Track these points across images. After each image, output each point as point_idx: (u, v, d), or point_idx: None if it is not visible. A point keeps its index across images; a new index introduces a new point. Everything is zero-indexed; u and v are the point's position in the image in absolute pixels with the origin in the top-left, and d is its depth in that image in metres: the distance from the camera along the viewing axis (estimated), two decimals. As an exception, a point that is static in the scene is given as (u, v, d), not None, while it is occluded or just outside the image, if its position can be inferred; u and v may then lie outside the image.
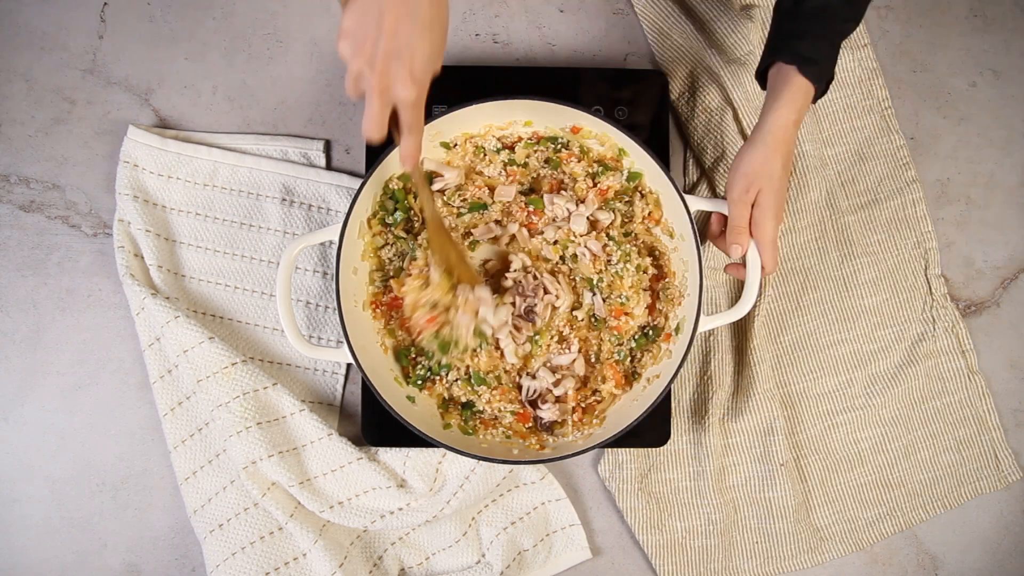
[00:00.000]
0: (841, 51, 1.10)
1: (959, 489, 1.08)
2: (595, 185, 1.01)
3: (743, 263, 0.92)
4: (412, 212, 1.00)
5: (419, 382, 0.99)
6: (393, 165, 0.97)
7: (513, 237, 1.01)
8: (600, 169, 1.01)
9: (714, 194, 1.09)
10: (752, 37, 1.09)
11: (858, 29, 1.11)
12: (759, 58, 1.08)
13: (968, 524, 1.09)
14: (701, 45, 1.10)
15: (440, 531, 1.04)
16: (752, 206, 0.89)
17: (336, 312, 0.97)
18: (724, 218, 0.93)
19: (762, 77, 0.91)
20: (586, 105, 0.97)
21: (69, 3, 1.11)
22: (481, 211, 1.00)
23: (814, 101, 0.89)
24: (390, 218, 1.00)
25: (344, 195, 1.08)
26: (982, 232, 1.12)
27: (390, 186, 1.00)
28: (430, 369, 0.98)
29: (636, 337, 1.00)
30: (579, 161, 1.01)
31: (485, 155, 1.02)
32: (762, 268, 0.90)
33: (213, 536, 1.00)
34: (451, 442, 0.93)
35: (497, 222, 1.01)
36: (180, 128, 1.10)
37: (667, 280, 1.00)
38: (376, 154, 0.95)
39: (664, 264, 1.01)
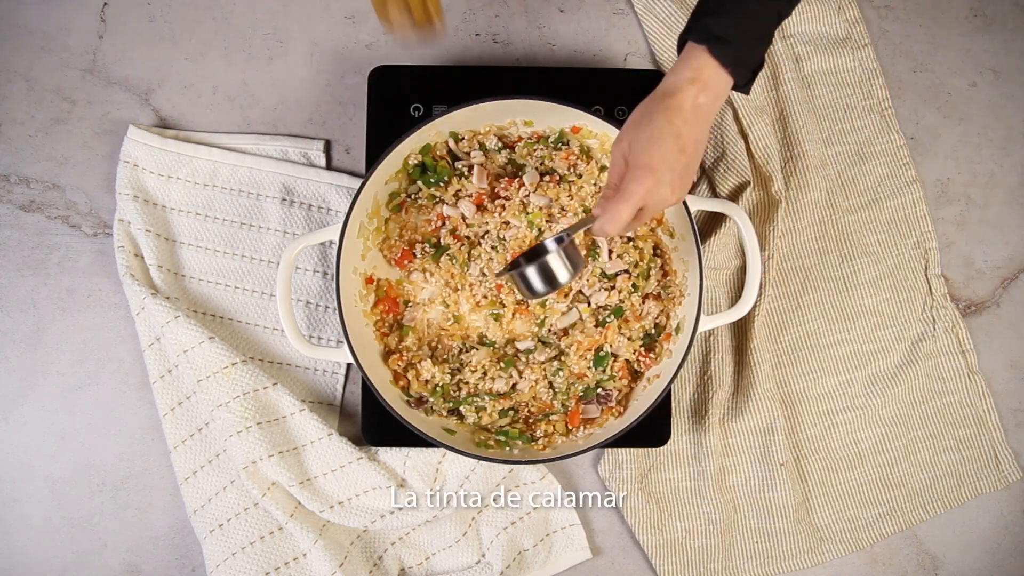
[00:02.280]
0: (841, 51, 1.10)
1: (959, 489, 1.08)
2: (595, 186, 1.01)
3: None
4: (446, 179, 1.00)
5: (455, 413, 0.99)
6: (398, 156, 0.98)
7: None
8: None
9: (714, 194, 1.09)
10: (752, 37, 1.08)
11: (858, 29, 1.11)
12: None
13: (968, 524, 1.09)
14: (701, 45, 1.10)
15: (440, 531, 1.03)
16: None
17: (336, 312, 0.97)
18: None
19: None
20: (586, 105, 0.97)
21: (69, 3, 1.11)
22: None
23: (736, 89, 0.78)
24: (435, 188, 1.00)
25: (344, 195, 1.08)
26: (982, 232, 1.12)
27: (410, 161, 0.99)
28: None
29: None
30: (579, 160, 1.01)
31: (485, 154, 1.02)
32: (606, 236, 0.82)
33: (213, 536, 1.00)
34: (451, 442, 0.93)
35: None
36: (180, 128, 1.10)
37: (667, 280, 1.00)
38: (376, 154, 0.95)
39: (665, 264, 1.01)
